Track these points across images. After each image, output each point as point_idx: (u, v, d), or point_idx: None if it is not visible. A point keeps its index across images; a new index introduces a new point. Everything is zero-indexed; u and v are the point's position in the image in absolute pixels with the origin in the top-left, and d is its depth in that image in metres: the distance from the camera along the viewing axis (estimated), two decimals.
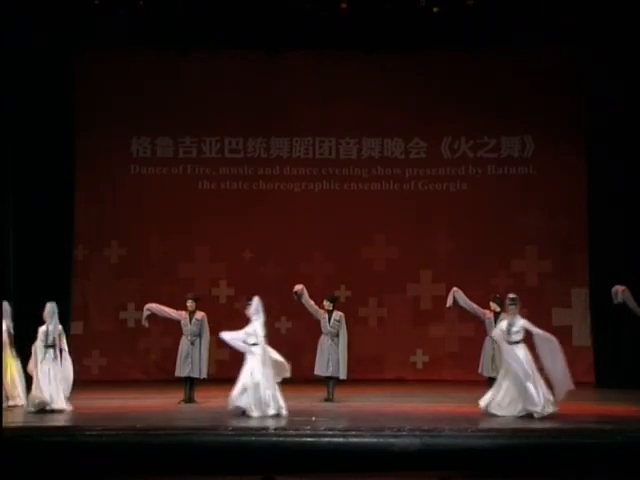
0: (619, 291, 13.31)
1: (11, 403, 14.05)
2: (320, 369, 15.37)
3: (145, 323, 15.17)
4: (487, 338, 14.63)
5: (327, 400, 15.17)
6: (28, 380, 14.17)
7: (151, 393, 15.92)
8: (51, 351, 13.88)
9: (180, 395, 14.89)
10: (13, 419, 12.54)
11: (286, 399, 13.09)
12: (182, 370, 14.95)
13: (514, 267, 18.72)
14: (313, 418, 12.63)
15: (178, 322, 15.11)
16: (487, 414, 13.10)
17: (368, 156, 18.99)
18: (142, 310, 15.21)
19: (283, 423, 12.55)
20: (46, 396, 13.55)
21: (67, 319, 18.03)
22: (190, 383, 14.96)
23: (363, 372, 17.49)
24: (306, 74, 18.81)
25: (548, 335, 13.37)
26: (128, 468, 10.88)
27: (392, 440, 11.24)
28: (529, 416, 12.94)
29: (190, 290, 16.31)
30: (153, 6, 17.15)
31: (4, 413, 11.41)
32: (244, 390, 13.16)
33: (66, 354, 14.15)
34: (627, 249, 17.24)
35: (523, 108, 18.55)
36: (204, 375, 14.92)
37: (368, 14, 17.35)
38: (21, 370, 14.42)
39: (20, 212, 17.03)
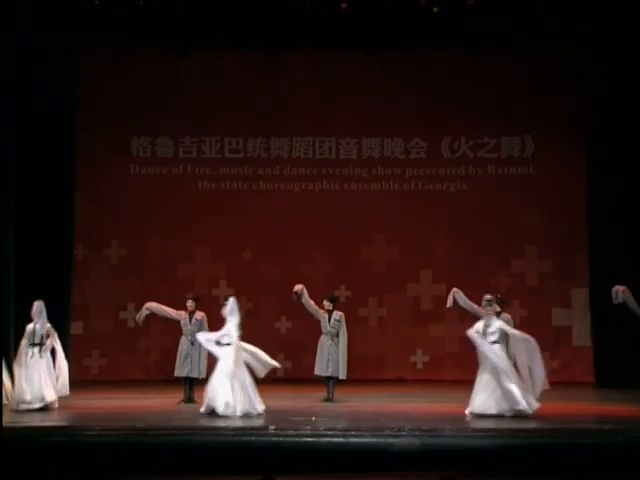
0: (619, 291, 13.31)
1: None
2: (320, 369, 15.37)
3: (140, 321, 15.13)
4: None
5: (327, 400, 15.17)
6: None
7: (151, 393, 15.91)
8: (36, 350, 13.90)
9: (180, 395, 14.90)
10: (13, 419, 12.54)
11: (286, 399, 13.07)
12: (181, 370, 14.96)
13: (514, 267, 18.72)
14: (313, 418, 12.64)
15: (178, 322, 15.12)
16: (477, 417, 13.11)
17: (368, 156, 18.99)
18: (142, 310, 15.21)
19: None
20: (26, 396, 13.55)
21: (67, 319, 18.09)
22: (190, 383, 14.97)
23: (363, 372, 17.50)
24: (306, 74, 18.81)
25: (525, 335, 13.40)
26: (128, 468, 10.88)
27: (392, 440, 11.24)
28: (518, 416, 12.95)
29: (190, 290, 16.32)
30: (153, 6, 17.13)
31: (4, 413, 11.41)
32: (215, 392, 13.18)
33: (59, 353, 14.17)
34: (627, 249, 17.24)
35: (523, 108, 18.56)
36: (203, 375, 14.92)
37: (368, 14, 17.34)
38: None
39: (20, 212, 17.02)
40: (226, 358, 13.36)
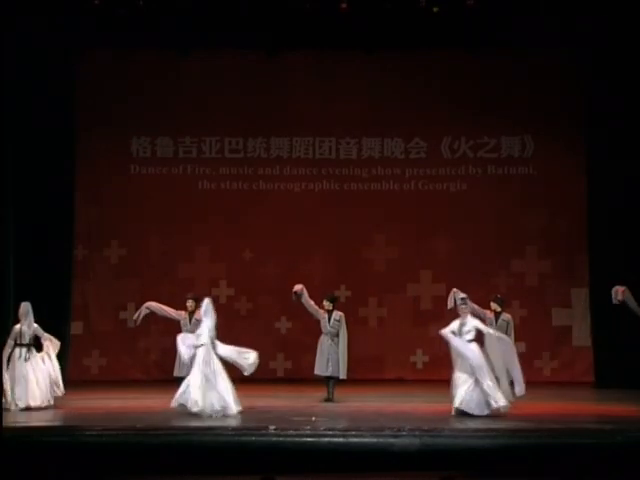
0: (619, 291, 13.29)
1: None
2: (320, 369, 15.37)
3: (138, 320, 15.10)
4: None
5: (327, 400, 15.17)
6: None
7: (151, 393, 15.91)
8: (24, 350, 13.91)
9: None
10: (13, 419, 12.55)
11: (286, 399, 13.07)
12: (181, 370, 14.92)
13: (514, 267, 18.72)
14: (313, 418, 12.64)
15: (178, 322, 15.10)
16: (461, 414, 13.13)
17: (368, 156, 18.99)
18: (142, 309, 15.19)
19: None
20: (7, 397, 13.57)
21: (67, 319, 18.10)
22: None
23: (363, 372, 17.49)
24: (306, 74, 18.81)
25: (501, 335, 13.42)
26: (128, 468, 10.88)
27: (392, 440, 11.24)
28: (496, 415, 13.01)
29: (190, 290, 16.31)
30: (153, 6, 17.13)
31: (4, 413, 11.42)
32: (186, 388, 13.28)
33: (49, 353, 14.18)
34: (627, 249, 17.23)
35: (523, 108, 18.55)
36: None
37: (368, 14, 17.34)
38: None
39: (20, 212, 17.02)
40: (197, 359, 13.43)
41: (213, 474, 10.88)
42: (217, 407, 13.18)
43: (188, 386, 13.32)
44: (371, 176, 18.96)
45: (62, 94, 17.85)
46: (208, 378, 13.30)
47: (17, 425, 12.14)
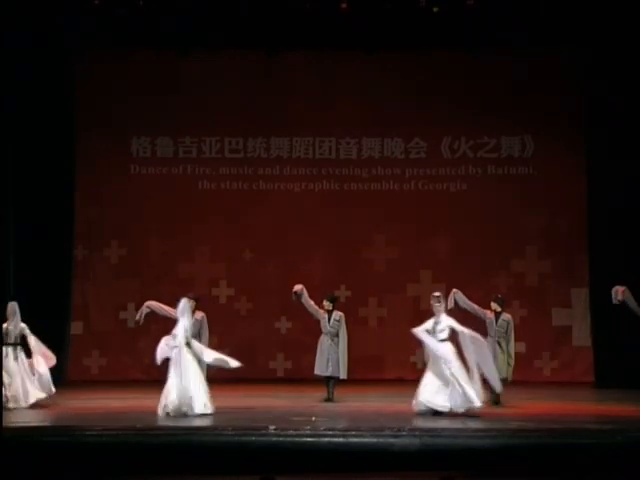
0: (619, 291, 13.28)
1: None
2: (320, 369, 15.37)
3: (141, 320, 15.11)
4: (488, 338, 14.60)
5: (327, 400, 15.17)
6: None
7: (151, 393, 15.85)
8: (10, 349, 13.92)
9: None
10: (13, 419, 12.55)
11: (286, 399, 13.07)
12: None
13: (514, 267, 18.73)
14: (313, 418, 12.63)
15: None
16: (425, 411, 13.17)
17: (368, 156, 18.99)
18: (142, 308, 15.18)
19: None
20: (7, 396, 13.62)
21: (67, 319, 18.11)
22: None
23: (363, 372, 17.49)
24: (306, 74, 18.82)
25: (474, 334, 13.43)
26: (128, 468, 10.88)
27: (392, 440, 11.23)
28: (468, 414, 13.02)
29: (190, 290, 16.30)
30: (153, 6, 17.14)
31: (4, 413, 11.42)
32: (166, 391, 13.38)
33: (37, 353, 14.19)
34: (627, 249, 17.24)
35: (523, 108, 18.55)
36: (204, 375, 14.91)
37: (368, 14, 17.35)
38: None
39: (20, 212, 17.03)
40: (172, 360, 13.52)
41: (213, 474, 10.88)
42: (185, 408, 13.20)
43: (167, 389, 13.39)
44: (371, 176, 18.96)
45: (62, 94, 17.86)
46: (179, 378, 13.34)
47: (17, 425, 12.14)
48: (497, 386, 13.57)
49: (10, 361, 13.94)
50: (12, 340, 14.09)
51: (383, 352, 18.73)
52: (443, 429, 11.80)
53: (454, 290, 14.61)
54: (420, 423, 12.49)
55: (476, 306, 14.68)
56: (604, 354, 17.63)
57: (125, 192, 18.74)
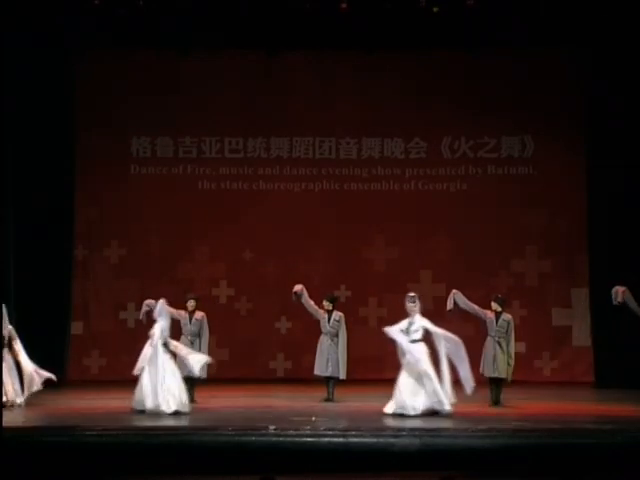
0: (619, 292, 13.27)
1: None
2: (320, 369, 15.38)
3: (143, 319, 15.11)
4: (488, 338, 14.64)
5: (327, 400, 15.18)
6: None
7: None
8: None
9: None
10: (13, 419, 12.55)
11: (286, 399, 13.06)
12: (182, 370, 14.92)
13: (514, 267, 18.72)
14: (313, 418, 12.63)
15: (178, 322, 15.10)
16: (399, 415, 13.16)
17: (368, 156, 18.99)
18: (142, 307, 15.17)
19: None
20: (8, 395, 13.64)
21: (67, 319, 18.10)
22: (190, 383, 14.95)
23: (363, 372, 17.48)
24: (306, 74, 18.81)
25: (448, 334, 13.43)
26: (128, 468, 10.88)
27: (392, 440, 11.24)
28: (434, 413, 13.04)
29: (190, 290, 16.31)
30: (153, 6, 17.14)
31: (4, 413, 11.42)
32: (139, 388, 13.53)
33: (22, 356, 14.19)
34: (627, 249, 17.23)
35: (523, 108, 18.54)
36: (204, 375, 14.92)
37: (368, 14, 17.34)
38: None
39: (20, 212, 17.03)
40: (148, 358, 13.68)
41: (213, 474, 10.88)
42: (151, 407, 13.31)
43: (140, 388, 13.55)
44: (371, 176, 18.96)
45: (62, 94, 17.85)
46: (151, 377, 13.45)
47: (17, 425, 12.13)
48: (468, 388, 13.49)
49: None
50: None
51: (383, 352, 18.59)
52: (443, 429, 11.80)
53: (454, 291, 14.61)
54: (420, 423, 12.48)
55: (476, 306, 14.67)
56: (604, 354, 17.63)
57: (125, 192, 18.74)
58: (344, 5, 17.08)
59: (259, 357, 18.62)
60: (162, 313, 13.87)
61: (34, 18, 16.62)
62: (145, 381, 13.56)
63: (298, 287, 15.41)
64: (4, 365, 13.97)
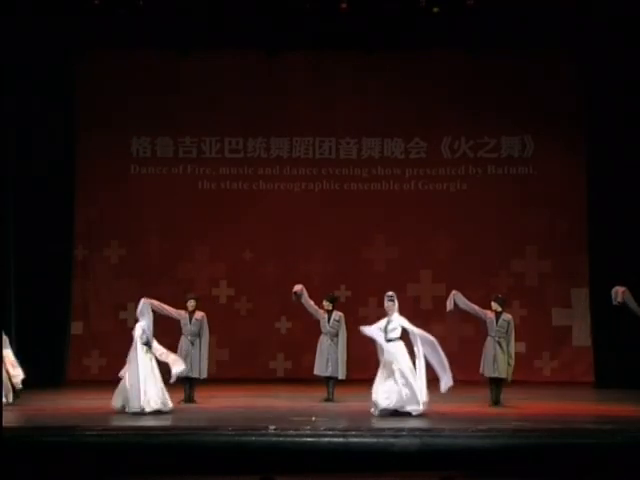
0: (619, 292, 13.26)
1: None
2: (319, 369, 15.39)
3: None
4: (488, 338, 14.63)
5: (327, 400, 15.18)
6: None
7: None
8: None
9: (180, 395, 14.89)
10: (13, 419, 12.55)
11: (286, 399, 13.06)
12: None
13: (514, 267, 18.72)
14: (313, 418, 12.64)
15: (178, 322, 15.11)
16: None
17: (368, 156, 18.99)
18: None
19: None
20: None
21: (67, 319, 18.09)
22: (190, 383, 14.97)
23: (363, 372, 17.41)
24: (306, 74, 18.81)
25: (423, 333, 13.45)
26: (128, 468, 10.89)
27: (392, 440, 11.25)
28: (407, 414, 13.06)
29: (190, 290, 16.31)
30: (153, 6, 17.14)
31: (4, 413, 11.42)
32: (121, 387, 13.59)
33: (8, 359, 14.18)
34: (627, 249, 17.23)
35: (523, 108, 18.54)
36: (204, 375, 14.94)
37: (368, 14, 17.34)
38: None
39: (20, 212, 17.03)
40: (128, 357, 13.81)
41: (213, 474, 10.88)
42: (130, 405, 13.34)
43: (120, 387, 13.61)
44: (371, 176, 18.95)
45: (62, 94, 17.84)
46: (131, 377, 13.49)
47: (17, 425, 12.14)
48: (444, 386, 13.49)
49: None
50: None
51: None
52: (443, 429, 11.80)
53: (453, 292, 14.60)
54: (420, 423, 12.48)
55: (476, 307, 14.67)
56: (604, 354, 17.62)
57: (125, 192, 18.74)
58: (344, 5, 17.09)
59: (259, 357, 18.62)
60: (144, 312, 13.89)
61: (34, 18, 16.61)
62: (125, 380, 13.56)
63: (298, 287, 15.41)
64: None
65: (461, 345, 18.26)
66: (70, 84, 18.10)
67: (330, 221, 18.78)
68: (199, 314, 15.07)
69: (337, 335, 15.32)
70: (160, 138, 18.88)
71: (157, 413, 13.30)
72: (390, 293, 13.90)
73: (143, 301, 14.00)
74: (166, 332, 16.65)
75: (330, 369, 15.28)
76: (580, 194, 18.18)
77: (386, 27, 17.59)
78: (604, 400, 15.58)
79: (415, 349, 13.40)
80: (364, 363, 17.69)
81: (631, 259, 16.94)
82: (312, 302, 15.43)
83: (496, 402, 14.44)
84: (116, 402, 13.59)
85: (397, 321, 13.58)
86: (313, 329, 15.79)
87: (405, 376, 13.22)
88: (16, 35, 16.03)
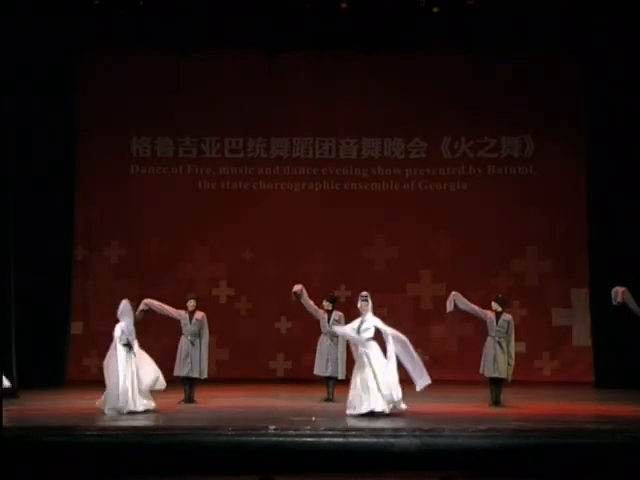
0: (619, 292, 13.26)
1: None
2: (319, 369, 15.40)
3: (139, 316, 15.07)
4: (488, 338, 14.63)
5: (327, 400, 15.18)
6: None
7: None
8: None
9: (180, 395, 14.90)
10: (13, 419, 12.55)
11: (286, 399, 13.04)
12: (181, 370, 14.96)
13: (514, 267, 18.72)
14: (313, 418, 12.64)
15: (178, 322, 15.11)
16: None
17: (368, 156, 18.99)
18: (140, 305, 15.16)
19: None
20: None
21: (67, 319, 18.09)
22: (190, 383, 14.98)
23: None
24: (306, 74, 18.81)
25: (396, 333, 13.44)
26: (128, 468, 10.89)
27: (392, 440, 11.25)
28: (378, 413, 13.03)
29: (190, 290, 16.31)
30: (153, 6, 17.14)
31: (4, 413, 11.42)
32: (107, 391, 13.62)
33: None
34: (627, 249, 17.23)
35: (523, 108, 18.55)
36: (204, 375, 14.94)
37: (368, 14, 17.34)
38: None
39: (20, 212, 17.02)
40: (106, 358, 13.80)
41: (213, 474, 10.89)
42: (114, 406, 13.36)
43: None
44: (371, 176, 18.95)
45: (62, 94, 17.85)
46: (112, 378, 13.50)
47: (17, 425, 12.13)
48: (418, 386, 13.46)
49: None
50: None
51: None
52: (443, 429, 11.80)
53: (453, 293, 14.59)
54: (420, 423, 12.48)
55: (476, 307, 14.66)
56: (604, 354, 17.62)
57: (125, 192, 18.74)
58: (344, 5, 17.09)
59: (259, 357, 18.62)
60: (124, 313, 13.83)
61: (34, 18, 16.60)
62: (108, 382, 13.55)
63: (298, 287, 15.42)
64: None
65: (461, 345, 18.30)
66: (70, 84, 18.11)
67: (330, 221, 18.78)
68: (199, 314, 15.06)
69: (337, 335, 15.30)
70: (160, 138, 18.88)
71: (133, 413, 13.27)
72: (364, 293, 13.92)
73: (124, 302, 13.96)
74: (166, 332, 16.71)
75: (330, 369, 15.28)
76: (580, 194, 18.17)
77: (386, 27, 17.59)
78: (604, 400, 15.58)
79: (387, 349, 13.37)
80: None
81: (631, 259, 16.94)
82: (312, 302, 15.43)
83: (496, 402, 14.44)
84: (102, 404, 13.57)
85: (370, 321, 13.57)
86: (313, 329, 15.79)
87: (376, 377, 13.16)
88: (16, 35, 16.02)
